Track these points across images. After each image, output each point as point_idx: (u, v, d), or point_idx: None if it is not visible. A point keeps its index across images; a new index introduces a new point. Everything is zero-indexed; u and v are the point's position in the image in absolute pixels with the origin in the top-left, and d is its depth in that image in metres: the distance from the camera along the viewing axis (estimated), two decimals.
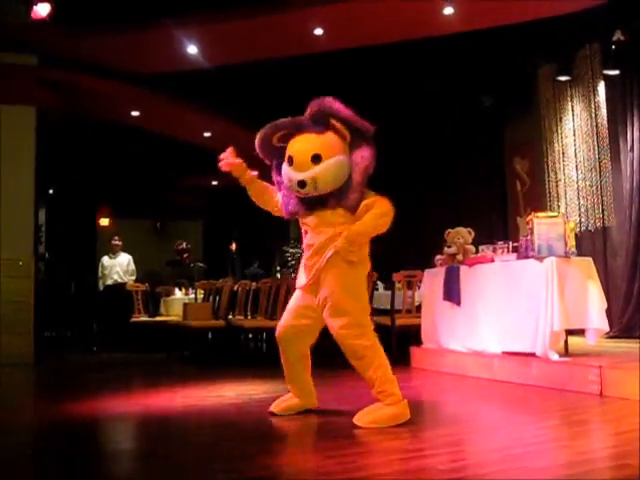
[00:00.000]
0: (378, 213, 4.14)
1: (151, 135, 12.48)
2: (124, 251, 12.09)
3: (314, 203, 4.25)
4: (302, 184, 4.14)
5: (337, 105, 4.15)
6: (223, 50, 9.18)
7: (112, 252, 12.01)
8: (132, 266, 12.02)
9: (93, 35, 8.69)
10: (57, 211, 14.42)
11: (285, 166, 4.27)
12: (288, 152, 4.26)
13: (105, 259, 11.98)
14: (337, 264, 4.17)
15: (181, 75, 9.78)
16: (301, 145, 4.21)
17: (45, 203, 13.31)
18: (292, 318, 4.47)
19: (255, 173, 4.65)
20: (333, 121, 4.14)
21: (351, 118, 4.15)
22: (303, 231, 4.46)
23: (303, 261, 4.45)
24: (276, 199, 4.57)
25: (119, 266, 11.86)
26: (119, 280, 11.75)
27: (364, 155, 4.15)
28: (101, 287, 11.90)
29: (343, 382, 5.89)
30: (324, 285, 4.22)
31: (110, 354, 10.69)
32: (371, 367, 4.13)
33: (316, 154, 4.12)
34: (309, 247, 4.35)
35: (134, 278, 11.91)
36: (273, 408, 4.56)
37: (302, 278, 4.43)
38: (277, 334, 4.56)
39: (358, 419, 4.06)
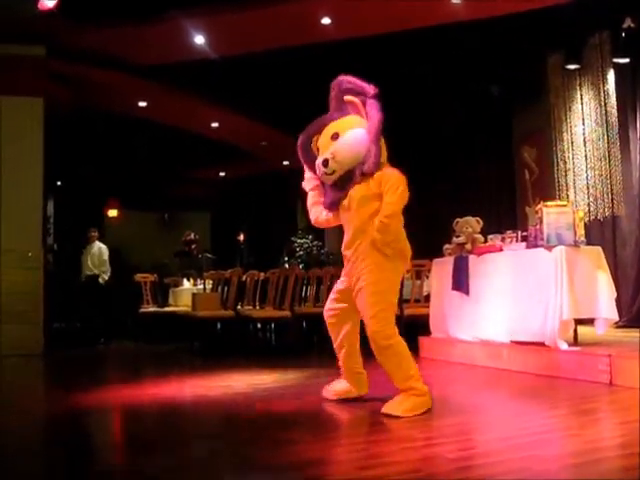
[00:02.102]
0: (392, 188, 4.21)
1: (159, 127, 12.50)
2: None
3: (344, 183, 4.36)
4: (325, 163, 4.31)
5: (341, 78, 4.46)
6: (230, 41, 9.18)
7: (88, 243, 11.45)
8: (103, 257, 11.29)
9: (101, 27, 8.70)
10: (65, 203, 14.45)
11: (317, 159, 4.44)
12: (317, 146, 4.48)
13: (84, 251, 11.47)
14: (372, 254, 4.25)
15: (189, 66, 9.78)
16: (324, 133, 4.43)
17: (53, 195, 13.34)
18: (331, 302, 4.66)
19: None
20: (345, 97, 4.38)
21: (352, 82, 4.41)
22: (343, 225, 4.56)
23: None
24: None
25: (90, 257, 11.26)
26: (88, 272, 11.18)
27: (371, 114, 4.30)
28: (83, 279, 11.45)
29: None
30: (358, 275, 4.31)
31: (119, 345, 10.74)
32: (391, 364, 4.22)
33: (335, 133, 4.35)
34: (345, 242, 4.47)
35: (104, 269, 11.28)
36: (325, 393, 4.70)
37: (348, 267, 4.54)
38: (324, 317, 4.73)
39: (389, 409, 4.08)
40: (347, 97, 4.40)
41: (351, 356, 4.65)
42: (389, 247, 4.22)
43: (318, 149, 4.48)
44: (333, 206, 4.52)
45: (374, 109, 4.30)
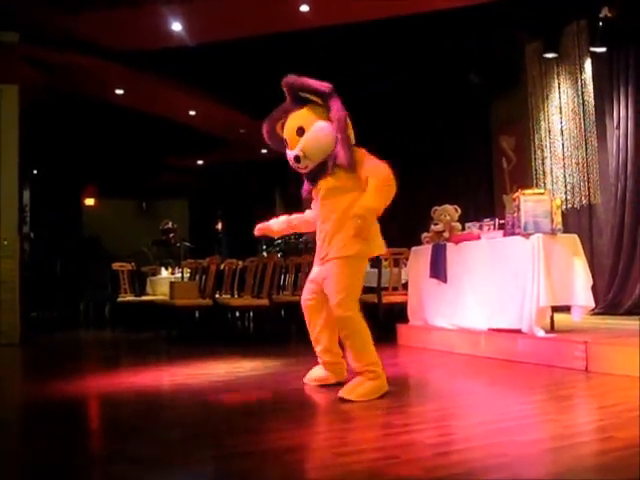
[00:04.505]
0: (380, 183, 4.21)
1: (136, 114, 12.39)
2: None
3: (316, 176, 4.44)
4: (297, 159, 4.37)
5: (293, 78, 4.38)
6: (208, 27, 9.10)
7: None
8: None
9: (76, 12, 8.57)
10: (42, 191, 14.32)
11: (287, 150, 4.50)
12: (284, 137, 4.51)
13: None
14: (342, 248, 4.31)
15: (166, 53, 9.69)
16: (287, 125, 4.46)
17: (29, 183, 13.21)
18: (307, 292, 4.71)
19: (283, 218, 5.10)
20: (301, 93, 4.37)
21: (306, 83, 4.34)
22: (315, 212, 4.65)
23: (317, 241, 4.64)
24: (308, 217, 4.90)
25: None
26: None
27: (334, 111, 4.29)
28: None
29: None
30: (328, 267, 4.40)
31: (97, 334, 10.66)
32: (354, 349, 4.31)
33: (299, 127, 4.37)
34: (318, 227, 4.55)
35: None
36: (307, 380, 4.76)
37: (317, 254, 4.62)
38: (302, 306, 4.77)
39: (345, 393, 4.18)
40: (303, 94, 4.36)
41: (329, 345, 4.68)
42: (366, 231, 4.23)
43: (282, 132, 4.53)
44: (308, 195, 4.64)
45: (336, 107, 4.28)
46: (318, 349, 4.71)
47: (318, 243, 4.53)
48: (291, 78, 4.38)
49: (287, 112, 4.48)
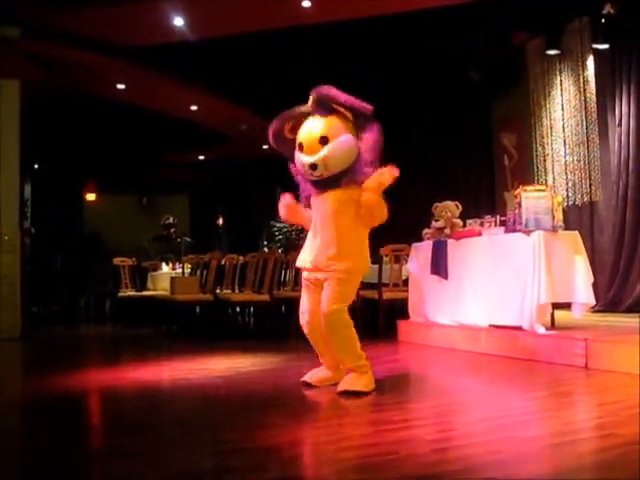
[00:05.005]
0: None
1: (137, 109, 12.38)
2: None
3: (326, 185, 4.39)
4: (314, 167, 4.30)
5: (334, 91, 4.32)
6: (210, 23, 9.08)
7: None
8: None
9: (78, 7, 8.56)
10: (42, 186, 14.32)
11: (297, 153, 4.44)
12: (298, 139, 4.43)
13: None
14: (342, 267, 4.31)
15: (167, 48, 9.67)
16: (308, 130, 4.39)
17: (30, 178, 13.22)
18: (309, 308, 4.59)
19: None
20: (335, 105, 4.30)
21: (349, 101, 4.30)
22: (313, 212, 4.57)
23: (308, 241, 4.58)
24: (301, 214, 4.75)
25: None
26: None
27: (370, 134, 4.31)
28: None
29: None
30: (328, 277, 4.38)
31: (98, 329, 10.66)
32: (344, 348, 4.37)
33: (323, 136, 4.30)
34: (314, 229, 4.50)
35: None
36: (307, 378, 4.65)
37: (306, 257, 4.54)
38: (301, 324, 4.67)
39: (347, 386, 4.23)
40: (337, 107, 4.30)
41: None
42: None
43: (290, 138, 4.48)
44: (308, 201, 4.58)
45: (375, 129, 4.31)
46: (322, 351, 4.65)
47: (318, 249, 4.43)
48: (332, 91, 4.31)
49: (305, 116, 4.42)
